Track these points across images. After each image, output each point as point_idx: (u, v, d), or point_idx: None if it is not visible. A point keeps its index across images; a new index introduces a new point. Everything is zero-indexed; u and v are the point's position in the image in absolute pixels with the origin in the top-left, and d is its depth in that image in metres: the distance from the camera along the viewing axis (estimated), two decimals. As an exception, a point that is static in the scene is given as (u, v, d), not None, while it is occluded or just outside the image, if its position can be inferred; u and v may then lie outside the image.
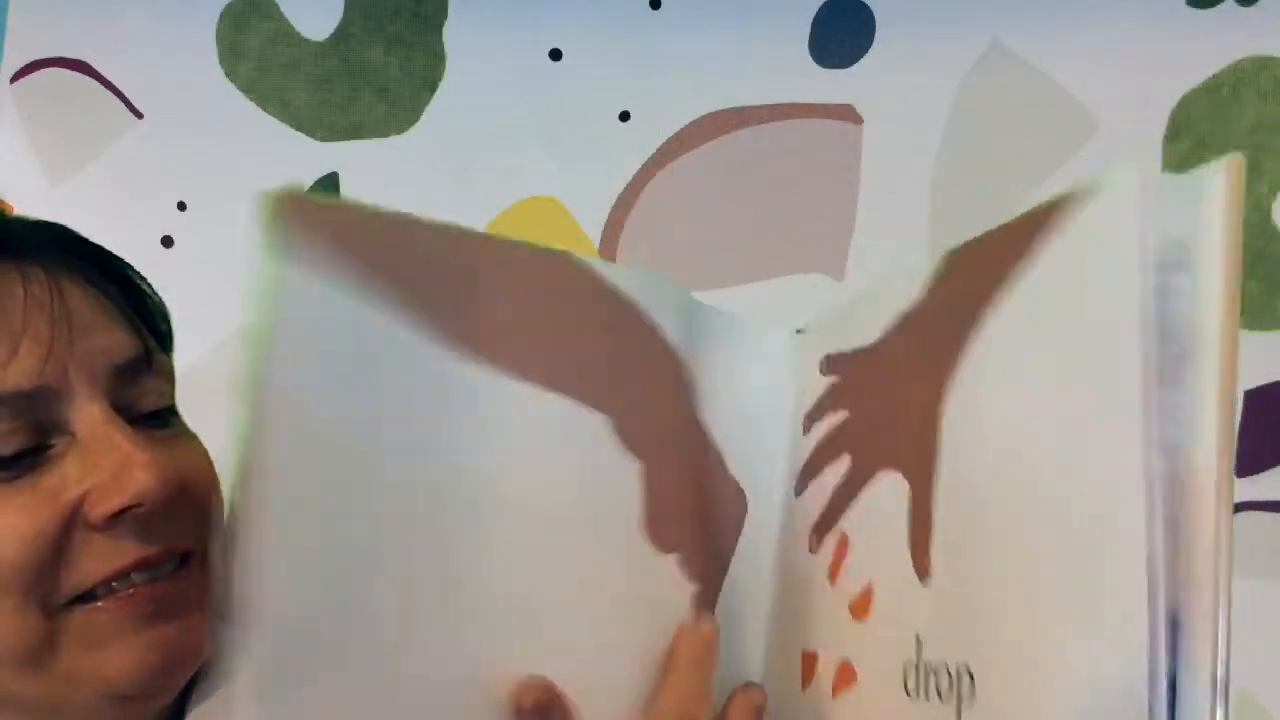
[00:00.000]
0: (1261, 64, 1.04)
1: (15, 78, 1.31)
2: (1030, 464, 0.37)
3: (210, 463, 0.52)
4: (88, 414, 0.47)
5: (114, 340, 0.50)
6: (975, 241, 0.42)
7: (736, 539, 0.48)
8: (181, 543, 0.49)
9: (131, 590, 0.47)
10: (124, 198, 1.29)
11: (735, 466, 0.48)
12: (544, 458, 0.43)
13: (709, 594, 0.46)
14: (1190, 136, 1.05)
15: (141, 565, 0.47)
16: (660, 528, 0.45)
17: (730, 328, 0.50)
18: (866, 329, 0.46)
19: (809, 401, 0.49)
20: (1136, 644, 0.32)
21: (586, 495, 0.44)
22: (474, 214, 1.21)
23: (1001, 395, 0.38)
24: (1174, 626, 0.32)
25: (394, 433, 0.42)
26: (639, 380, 0.46)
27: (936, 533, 0.40)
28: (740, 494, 0.48)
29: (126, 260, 0.55)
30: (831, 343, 0.49)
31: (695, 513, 0.46)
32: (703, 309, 0.49)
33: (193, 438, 0.53)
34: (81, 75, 1.31)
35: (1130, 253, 0.34)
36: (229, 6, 1.29)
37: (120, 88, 1.31)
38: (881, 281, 0.48)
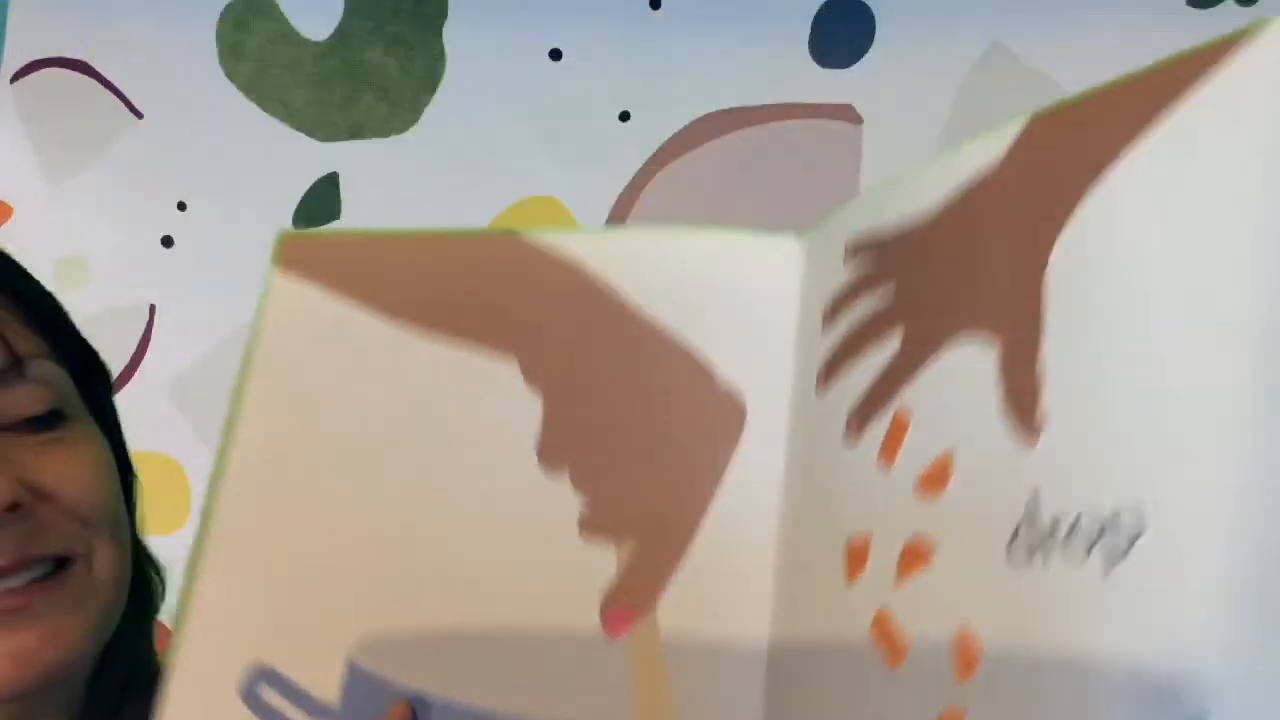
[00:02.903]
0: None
1: (15, 78, 1.31)
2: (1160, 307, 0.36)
3: (100, 466, 0.52)
4: None
5: None
6: (1077, 102, 0.42)
7: (733, 445, 0.49)
8: (51, 549, 0.49)
9: None
10: (124, 198, 1.28)
11: (732, 376, 0.50)
12: (450, 407, 0.49)
13: (602, 507, 0.48)
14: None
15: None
16: (552, 451, 0.48)
17: (723, 245, 0.54)
18: (906, 211, 0.47)
19: (825, 296, 0.50)
20: None
21: (485, 433, 0.49)
22: (474, 214, 1.21)
23: (1130, 242, 0.38)
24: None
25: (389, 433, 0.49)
26: (554, 324, 0.50)
27: (1049, 389, 0.40)
28: (733, 401, 0.50)
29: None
30: (847, 235, 0.50)
31: (600, 430, 0.49)
32: (692, 240, 0.54)
33: (84, 440, 0.52)
34: (81, 75, 1.31)
35: None
36: (229, 6, 1.29)
37: (120, 88, 1.30)
38: (905, 173, 0.48)
